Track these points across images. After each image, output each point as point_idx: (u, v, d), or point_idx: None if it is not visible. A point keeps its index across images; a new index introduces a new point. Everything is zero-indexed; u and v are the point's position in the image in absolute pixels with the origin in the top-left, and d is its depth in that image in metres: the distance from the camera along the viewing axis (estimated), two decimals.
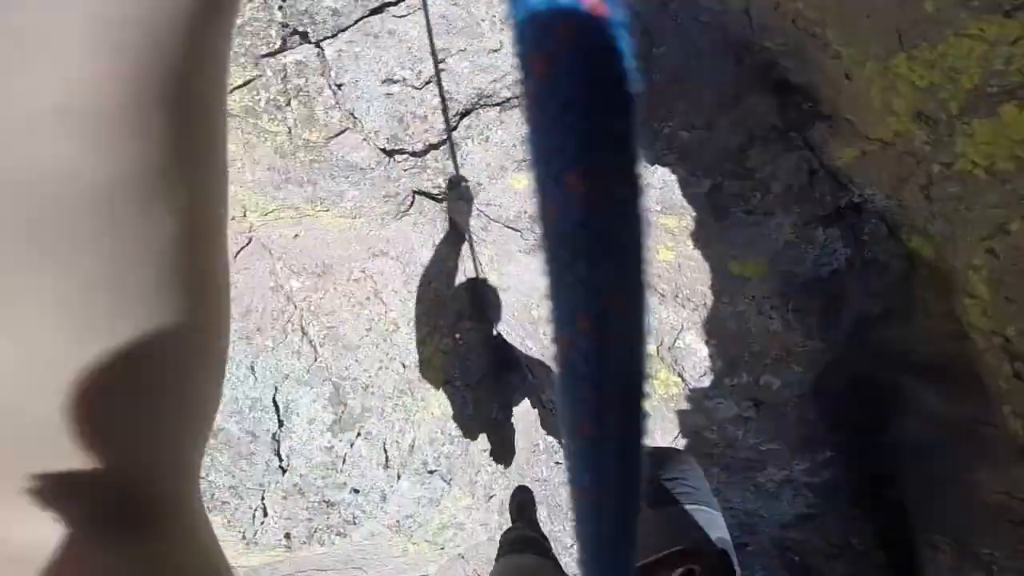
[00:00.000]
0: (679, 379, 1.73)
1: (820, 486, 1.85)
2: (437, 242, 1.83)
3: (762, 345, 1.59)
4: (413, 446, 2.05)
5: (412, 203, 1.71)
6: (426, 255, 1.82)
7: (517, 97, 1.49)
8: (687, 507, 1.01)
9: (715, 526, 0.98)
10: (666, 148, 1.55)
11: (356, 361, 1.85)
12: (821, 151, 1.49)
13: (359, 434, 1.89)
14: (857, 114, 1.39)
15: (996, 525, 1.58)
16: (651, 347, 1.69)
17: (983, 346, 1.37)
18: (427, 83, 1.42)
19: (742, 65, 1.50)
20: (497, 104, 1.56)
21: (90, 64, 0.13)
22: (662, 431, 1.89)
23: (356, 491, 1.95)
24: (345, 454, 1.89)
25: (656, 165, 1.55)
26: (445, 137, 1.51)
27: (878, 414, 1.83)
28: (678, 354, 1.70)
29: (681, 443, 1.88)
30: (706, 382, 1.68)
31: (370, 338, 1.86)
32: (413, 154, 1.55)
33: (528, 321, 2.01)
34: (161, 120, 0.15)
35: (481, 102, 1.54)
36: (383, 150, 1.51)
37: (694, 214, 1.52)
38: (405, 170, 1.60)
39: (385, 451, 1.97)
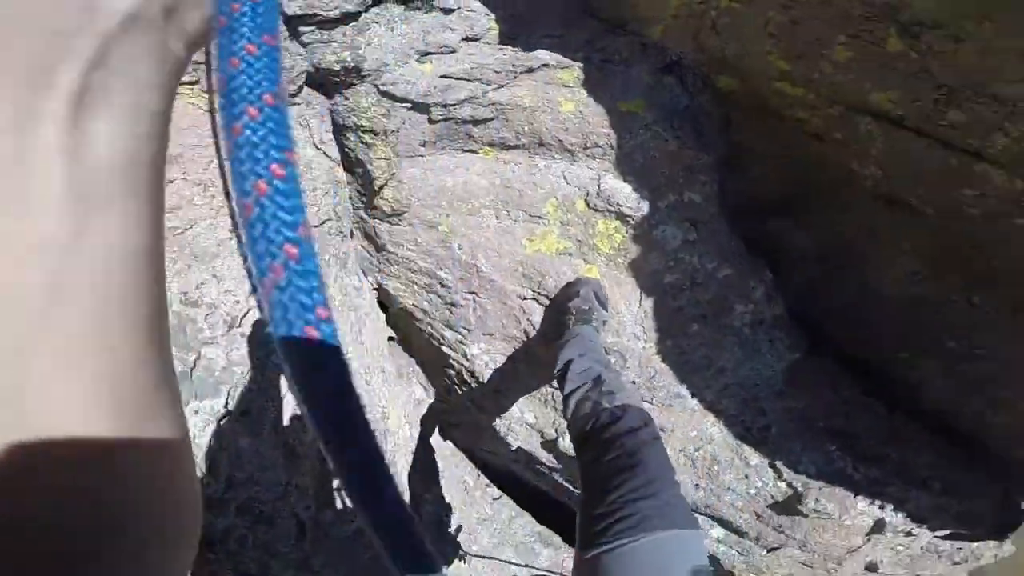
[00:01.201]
0: (619, 222, 1.66)
1: (783, 320, 1.80)
2: (320, 141, 1.56)
3: (669, 167, 1.71)
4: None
5: (300, 89, 1.49)
6: (310, 153, 1.52)
7: None
8: (640, 541, 0.82)
9: (683, 555, 0.82)
10: (535, 46, 1.81)
11: (213, 277, 1.26)
12: (640, 34, 1.94)
13: (228, 408, 1.17)
14: (653, 10, 1.91)
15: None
16: (580, 203, 1.63)
17: (809, 115, 1.76)
18: None
19: (569, 4, 1.98)
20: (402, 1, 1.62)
21: None
22: (624, 297, 1.67)
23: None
24: (193, 437, 1.12)
25: (532, 51, 1.76)
26: (361, 9, 1.47)
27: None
28: (608, 196, 1.66)
29: (648, 303, 1.67)
30: (645, 209, 1.65)
31: (234, 245, 1.31)
32: (322, 24, 1.44)
33: (439, 243, 1.72)
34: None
35: None
36: (291, 17, 1.38)
37: (581, 65, 1.73)
38: (307, 44, 1.45)
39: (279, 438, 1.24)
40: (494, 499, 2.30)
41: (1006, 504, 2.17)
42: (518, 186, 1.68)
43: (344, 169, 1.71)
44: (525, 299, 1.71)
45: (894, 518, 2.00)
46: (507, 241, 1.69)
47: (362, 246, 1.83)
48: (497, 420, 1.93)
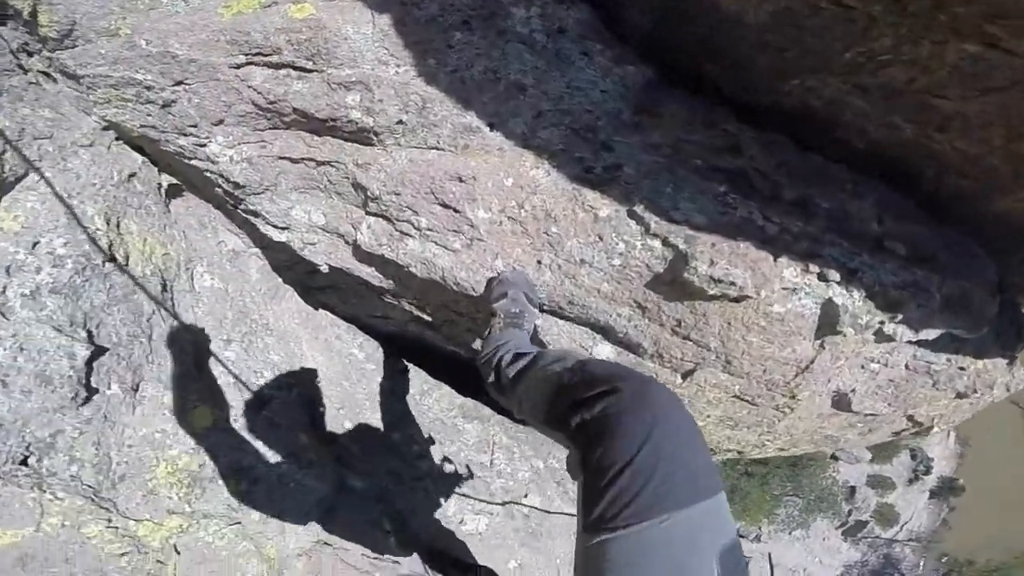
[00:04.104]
0: None
1: (592, 27, 1.33)
2: None
3: None
4: None
5: None
6: None
7: None
8: (648, 523, 0.62)
9: (707, 532, 0.63)
10: None
11: None
12: None
13: None
14: None
15: None
16: None
17: None
18: None
19: None
20: None
21: None
22: (350, 23, 1.22)
23: None
24: None
25: None
26: None
27: None
28: None
29: (384, 21, 1.22)
30: None
31: None
32: None
33: (125, 47, 1.35)
34: None
35: None
36: None
37: None
38: None
39: None
40: (400, 372, 1.88)
41: (1003, 296, 1.48)
42: None
43: None
44: (239, 66, 1.29)
45: (849, 300, 1.31)
46: (200, 19, 1.32)
47: (68, 87, 1.48)
48: (287, 235, 1.43)
